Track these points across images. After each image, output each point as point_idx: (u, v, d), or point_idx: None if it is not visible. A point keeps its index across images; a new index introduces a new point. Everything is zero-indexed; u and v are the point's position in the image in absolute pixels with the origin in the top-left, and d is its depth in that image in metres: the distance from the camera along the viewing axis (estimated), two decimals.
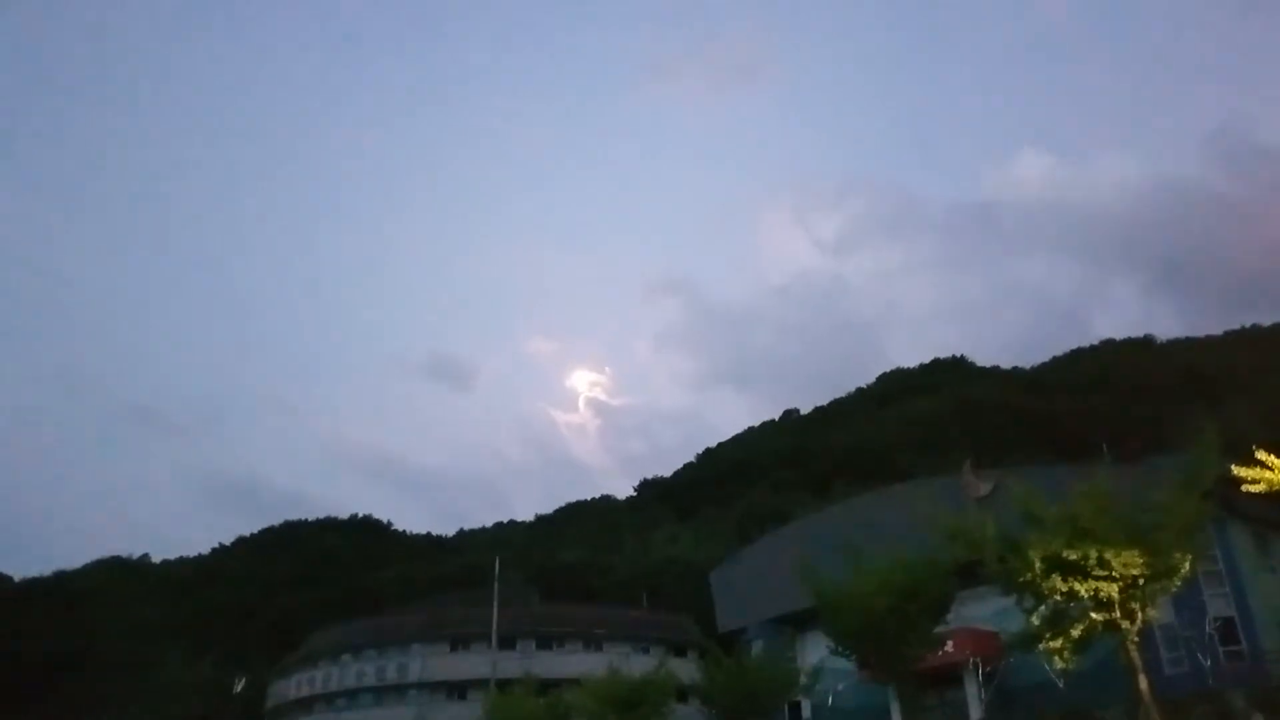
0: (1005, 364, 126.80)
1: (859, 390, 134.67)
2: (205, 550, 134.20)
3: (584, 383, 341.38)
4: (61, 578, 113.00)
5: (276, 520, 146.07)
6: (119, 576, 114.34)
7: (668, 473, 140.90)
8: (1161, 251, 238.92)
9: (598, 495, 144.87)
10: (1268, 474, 16.62)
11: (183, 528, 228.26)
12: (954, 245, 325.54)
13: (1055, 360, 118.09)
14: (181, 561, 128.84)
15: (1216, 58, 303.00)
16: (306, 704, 68.60)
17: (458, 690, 61.40)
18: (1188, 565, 21.09)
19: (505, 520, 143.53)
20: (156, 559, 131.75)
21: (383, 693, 64.67)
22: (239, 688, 71.88)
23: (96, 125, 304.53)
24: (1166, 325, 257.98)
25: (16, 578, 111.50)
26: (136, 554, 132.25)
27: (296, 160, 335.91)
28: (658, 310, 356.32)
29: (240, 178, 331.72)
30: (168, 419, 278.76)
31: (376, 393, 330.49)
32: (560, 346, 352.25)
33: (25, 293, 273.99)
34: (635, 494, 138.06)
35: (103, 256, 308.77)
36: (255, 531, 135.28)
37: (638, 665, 44.53)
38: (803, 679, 35.27)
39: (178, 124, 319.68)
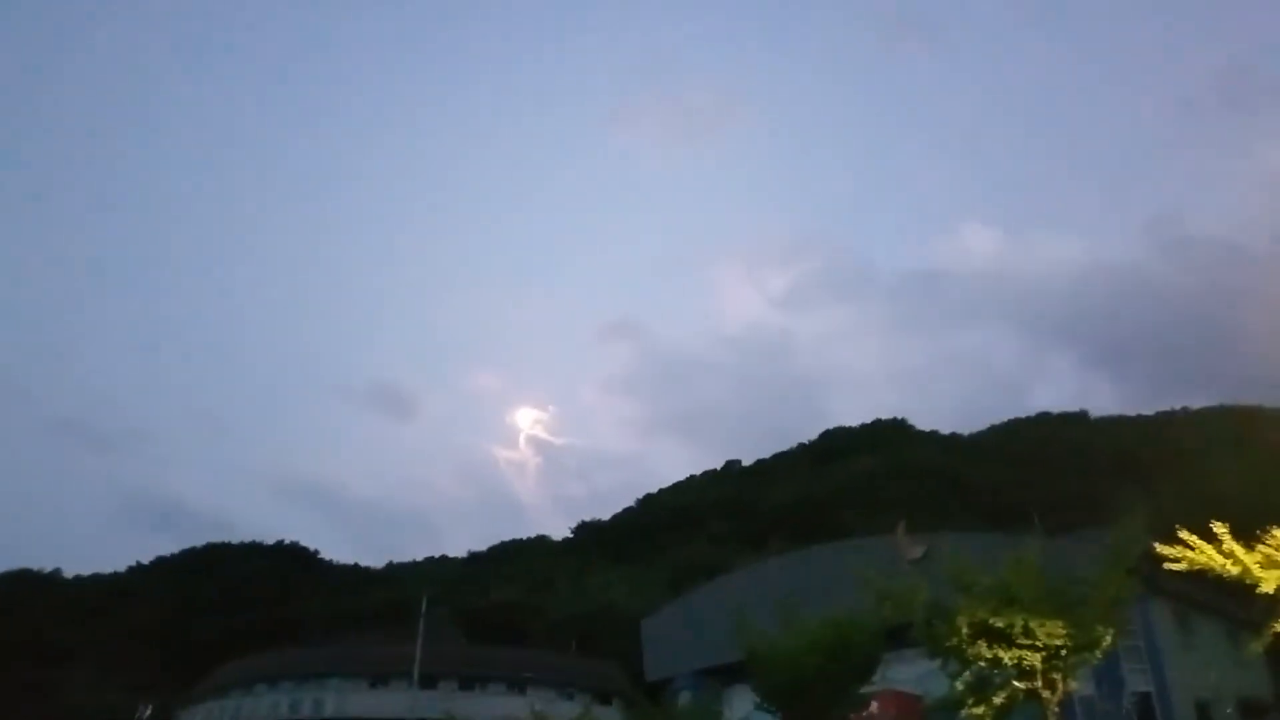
0: (945, 429, 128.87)
1: (801, 446, 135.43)
2: (122, 568, 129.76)
3: (526, 420, 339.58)
4: None
5: (199, 542, 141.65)
6: (27, 590, 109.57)
7: (606, 516, 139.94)
8: (1098, 330, 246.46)
9: (533, 535, 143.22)
10: (1189, 554, 16.96)
11: (99, 544, 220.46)
12: (901, 310, 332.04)
13: (993, 429, 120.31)
14: (96, 578, 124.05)
15: (1153, 151, 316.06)
16: None
17: None
18: (1109, 639, 21.41)
19: (437, 555, 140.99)
20: (69, 574, 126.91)
21: None
22: (144, 715, 68.89)
23: (39, 124, 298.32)
24: (1101, 401, 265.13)
25: None
26: (48, 567, 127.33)
27: (239, 179, 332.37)
28: (606, 352, 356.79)
29: (178, 195, 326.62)
30: (95, 432, 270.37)
31: (313, 418, 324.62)
32: (505, 383, 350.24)
33: None
34: (572, 536, 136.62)
35: (33, 262, 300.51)
36: (176, 552, 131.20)
37: (562, 712, 43.79)
38: None
39: (118, 132, 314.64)
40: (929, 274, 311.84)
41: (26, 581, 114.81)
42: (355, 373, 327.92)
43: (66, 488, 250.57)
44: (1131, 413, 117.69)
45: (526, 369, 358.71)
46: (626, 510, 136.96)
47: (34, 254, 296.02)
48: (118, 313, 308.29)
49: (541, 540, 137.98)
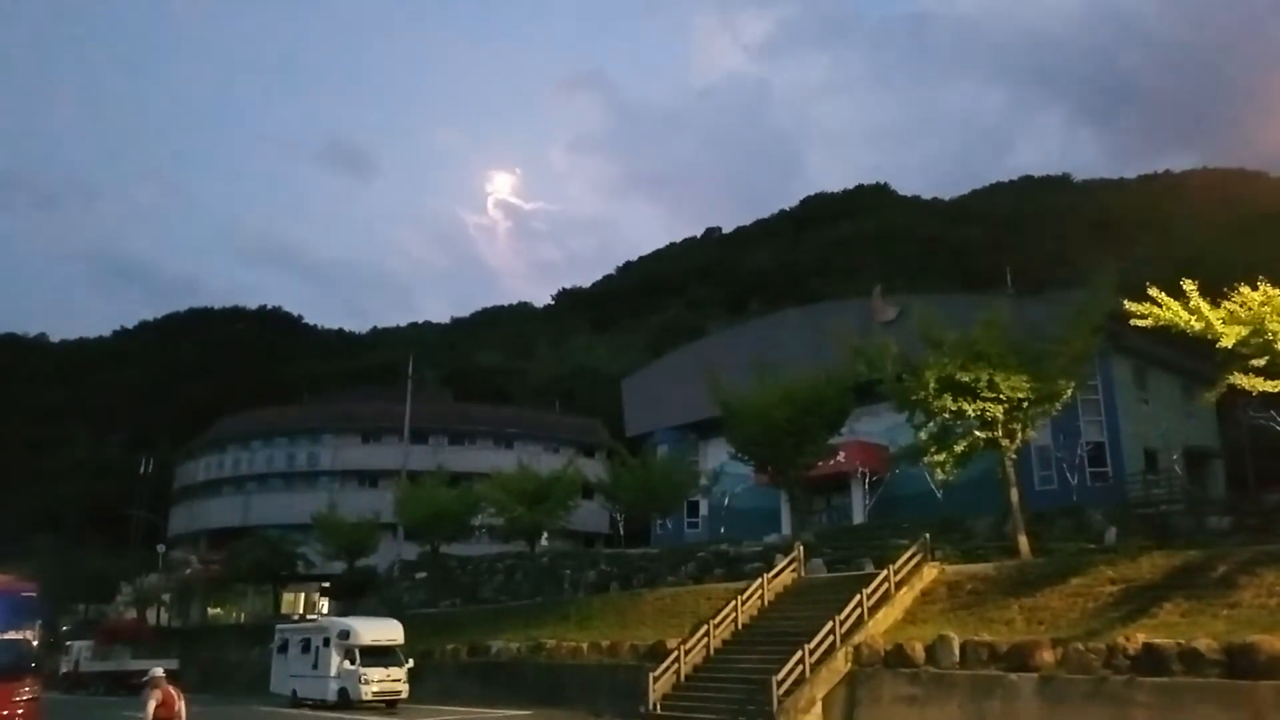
0: (926, 194, 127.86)
1: (781, 212, 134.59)
2: (106, 333, 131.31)
3: (493, 183, 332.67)
4: None
5: (176, 306, 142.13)
6: (15, 354, 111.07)
7: (585, 283, 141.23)
8: (1089, 82, 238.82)
9: (515, 302, 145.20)
10: (1156, 310, 17.33)
11: (76, 309, 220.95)
12: (884, 60, 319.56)
13: (975, 193, 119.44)
14: (82, 342, 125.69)
15: None
16: (215, 486, 69.55)
17: (369, 479, 62.86)
18: (1070, 392, 22.39)
19: (420, 321, 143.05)
20: (55, 338, 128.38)
21: (293, 478, 65.90)
22: (147, 470, 71.93)
23: None
24: (1085, 161, 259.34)
25: None
26: (32, 332, 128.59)
27: None
28: (573, 110, 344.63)
29: None
30: (36, 188, 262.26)
31: (272, 178, 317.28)
32: (468, 141, 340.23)
33: None
34: (553, 303, 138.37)
35: None
36: (159, 317, 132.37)
37: (547, 464, 46.01)
38: (702, 481, 37.00)
39: None
40: (916, 17, 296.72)
41: (13, 346, 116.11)
42: (311, 131, 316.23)
43: (27, 250, 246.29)
44: (1114, 176, 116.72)
45: (490, 126, 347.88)
46: (607, 277, 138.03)
47: None
48: (53, 61, 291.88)
49: (523, 307, 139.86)
